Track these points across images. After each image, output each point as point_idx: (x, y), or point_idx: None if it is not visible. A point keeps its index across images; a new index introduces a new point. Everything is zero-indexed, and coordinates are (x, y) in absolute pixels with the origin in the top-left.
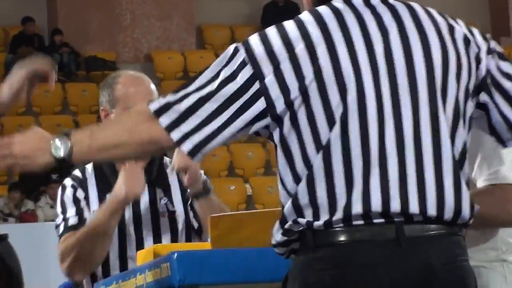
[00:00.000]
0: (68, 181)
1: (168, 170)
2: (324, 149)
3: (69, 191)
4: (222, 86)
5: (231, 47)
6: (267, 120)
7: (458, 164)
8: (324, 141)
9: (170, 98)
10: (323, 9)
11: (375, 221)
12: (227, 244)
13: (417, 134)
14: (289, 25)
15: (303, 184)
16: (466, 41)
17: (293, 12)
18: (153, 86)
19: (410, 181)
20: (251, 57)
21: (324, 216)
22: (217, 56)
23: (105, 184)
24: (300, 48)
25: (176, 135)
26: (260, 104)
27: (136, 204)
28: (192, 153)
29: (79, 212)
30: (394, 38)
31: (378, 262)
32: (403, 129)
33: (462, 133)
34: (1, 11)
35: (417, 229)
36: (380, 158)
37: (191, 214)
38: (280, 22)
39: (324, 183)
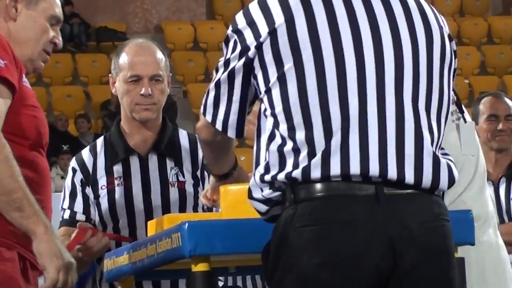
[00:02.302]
0: (72, 162)
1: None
2: (305, 119)
3: (69, 178)
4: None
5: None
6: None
7: (437, 136)
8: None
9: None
10: None
11: (354, 180)
12: (238, 214)
13: (399, 105)
14: (271, 0)
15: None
16: (445, 27)
17: None
18: (160, 55)
19: (389, 150)
20: (239, 37)
21: (303, 163)
22: (227, 27)
23: (112, 153)
24: (281, 31)
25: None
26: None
27: (145, 173)
28: (223, 127)
29: (71, 206)
30: (381, 17)
31: (358, 218)
32: (385, 98)
33: (444, 108)
34: None
35: (395, 188)
36: (360, 127)
37: (201, 185)
38: None
39: (306, 147)
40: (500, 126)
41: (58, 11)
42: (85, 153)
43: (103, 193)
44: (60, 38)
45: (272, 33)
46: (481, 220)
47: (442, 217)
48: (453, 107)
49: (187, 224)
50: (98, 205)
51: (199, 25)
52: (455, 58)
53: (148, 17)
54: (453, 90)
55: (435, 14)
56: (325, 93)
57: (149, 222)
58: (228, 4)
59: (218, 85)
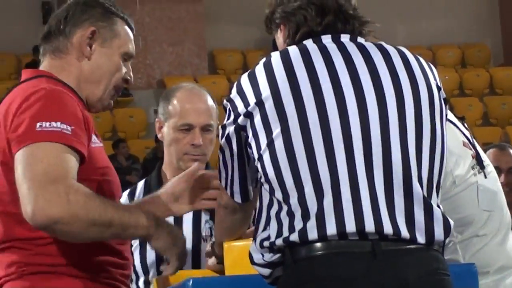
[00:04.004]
0: None
1: None
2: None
3: None
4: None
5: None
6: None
7: (428, 187)
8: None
9: None
10: (293, 51)
11: (351, 238)
12: (242, 270)
13: (387, 159)
14: (259, 72)
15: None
16: (433, 76)
17: None
18: (211, 103)
19: (381, 205)
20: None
21: (299, 225)
22: (229, 81)
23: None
24: (269, 103)
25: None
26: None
27: (178, 224)
28: (230, 192)
29: None
30: (364, 76)
31: (355, 275)
32: (372, 155)
33: (437, 157)
34: (14, 39)
35: (392, 244)
36: (350, 184)
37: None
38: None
39: (300, 210)
40: (502, 179)
41: (131, 47)
42: (124, 196)
43: (135, 243)
44: (131, 74)
45: (260, 103)
46: (507, 271)
47: (441, 271)
48: (473, 162)
49: (191, 281)
50: (132, 255)
51: (201, 80)
52: (445, 105)
53: (150, 72)
54: (473, 144)
55: (420, 64)
56: (313, 156)
57: (154, 278)
58: (230, 58)
59: (222, 150)
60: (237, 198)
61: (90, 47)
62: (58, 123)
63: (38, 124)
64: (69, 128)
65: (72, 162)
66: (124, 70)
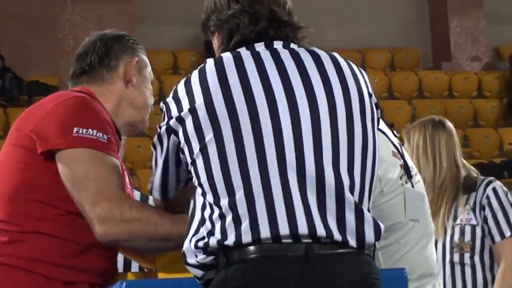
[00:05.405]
0: None
1: None
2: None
3: None
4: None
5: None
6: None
7: (360, 193)
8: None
9: None
10: (226, 58)
11: (284, 241)
12: (174, 273)
13: (318, 165)
14: (194, 79)
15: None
16: (364, 82)
17: None
18: None
19: (313, 209)
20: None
21: (231, 228)
22: (159, 81)
23: None
24: (201, 110)
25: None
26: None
27: None
28: (151, 188)
29: None
30: (296, 82)
31: (288, 278)
32: (304, 162)
33: (369, 163)
34: None
35: (325, 247)
36: (283, 189)
37: None
38: None
39: (231, 213)
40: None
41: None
42: None
43: None
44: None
45: (193, 110)
46: (427, 278)
47: (372, 275)
48: (401, 172)
49: (124, 284)
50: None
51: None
52: (377, 110)
53: None
54: (402, 154)
55: (352, 70)
56: (245, 163)
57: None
58: (160, 59)
59: (154, 147)
60: (156, 195)
61: (134, 76)
62: (95, 131)
63: (75, 129)
64: (105, 136)
65: (118, 172)
66: None
